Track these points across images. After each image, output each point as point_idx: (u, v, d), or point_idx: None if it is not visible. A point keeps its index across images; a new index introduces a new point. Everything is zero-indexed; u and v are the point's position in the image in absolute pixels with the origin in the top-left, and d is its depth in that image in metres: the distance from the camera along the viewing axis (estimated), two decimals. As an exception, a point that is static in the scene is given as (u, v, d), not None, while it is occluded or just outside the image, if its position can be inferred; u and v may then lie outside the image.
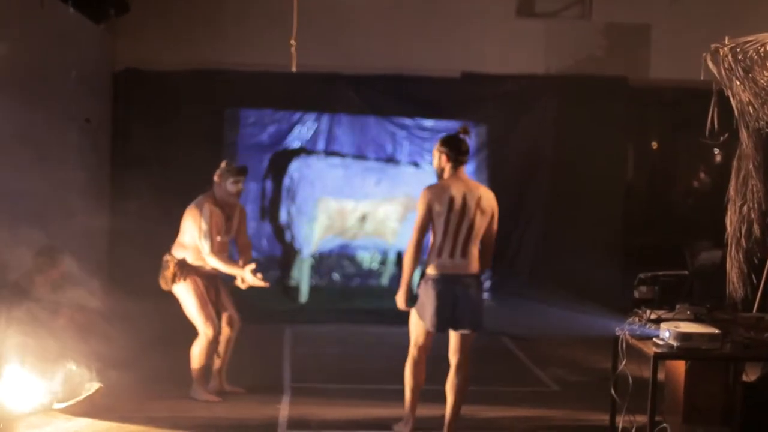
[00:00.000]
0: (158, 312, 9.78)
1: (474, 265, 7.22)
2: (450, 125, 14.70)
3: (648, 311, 6.85)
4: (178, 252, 8.50)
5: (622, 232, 14.74)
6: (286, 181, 14.00)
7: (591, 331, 11.08)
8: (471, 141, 7.51)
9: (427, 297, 7.19)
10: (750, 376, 6.88)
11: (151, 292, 9.65)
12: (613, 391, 7.03)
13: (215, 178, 8.59)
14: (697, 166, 15.29)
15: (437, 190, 7.23)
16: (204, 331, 8.42)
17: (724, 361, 6.68)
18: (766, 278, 7.41)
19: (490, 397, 8.79)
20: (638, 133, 15.37)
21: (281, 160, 14.28)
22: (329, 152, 14.38)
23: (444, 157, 7.33)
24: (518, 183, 14.92)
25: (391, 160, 14.48)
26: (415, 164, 14.55)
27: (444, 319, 7.21)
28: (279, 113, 14.52)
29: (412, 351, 7.53)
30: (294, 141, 14.53)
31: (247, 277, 8.32)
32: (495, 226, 7.33)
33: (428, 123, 14.87)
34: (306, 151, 14.33)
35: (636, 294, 7.08)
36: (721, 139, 7.47)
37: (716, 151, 14.92)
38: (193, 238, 8.39)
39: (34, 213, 9.29)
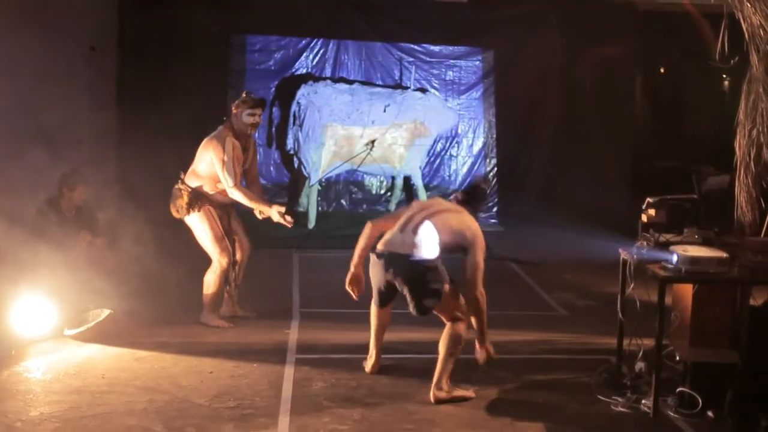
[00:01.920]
0: (168, 240, 9.82)
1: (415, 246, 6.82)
2: (457, 50, 14.67)
3: (656, 235, 6.84)
4: (192, 181, 8.46)
5: (631, 156, 14.73)
6: (293, 108, 13.95)
7: (598, 255, 11.11)
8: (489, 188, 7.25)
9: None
10: (757, 299, 6.88)
11: (161, 219, 9.69)
12: (620, 315, 7.05)
13: (233, 108, 8.48)
14: (706, 91, 15.20)
15: None
16: (218, 259, 8.46)
17: (731, 284, 6.68)
18: (775, 202, 7.39)
19: (497, 322, 8.76)
20: (646, 57, 15.28)
21: (288, 86, 14.23)
22: (336, 78, 14.32)
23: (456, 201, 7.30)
24: (526, 108, 14.91)
25: (398, 85, 14.42)
26: (423, 90, 14.49)
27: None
28: (285, 39, 14.47)
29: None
30: (301, 67, 14.47)
31: (274, 216, 8.34)
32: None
33: (435, 48, 14.80)
34: (313, 77, 14.27)
35: (644, 217, 7.06)
36: (732, 62, 7.40)
37: (724, 75, 14.84)
38: (210, 169, 8.35)
39: (41, 141, 9.28)
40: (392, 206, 14.68)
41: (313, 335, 8.21)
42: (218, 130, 8.45)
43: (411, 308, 6.89)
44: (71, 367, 7.13)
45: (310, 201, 13.77)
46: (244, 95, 8.57)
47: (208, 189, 8.45)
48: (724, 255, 6.36)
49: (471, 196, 7.34)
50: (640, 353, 6.94)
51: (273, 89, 14.25)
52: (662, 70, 15.76)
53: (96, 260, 8.63)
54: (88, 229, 8.93)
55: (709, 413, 6.35)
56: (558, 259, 11.91)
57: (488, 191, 7.25)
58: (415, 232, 6.78)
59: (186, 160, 11.74)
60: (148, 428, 5.89)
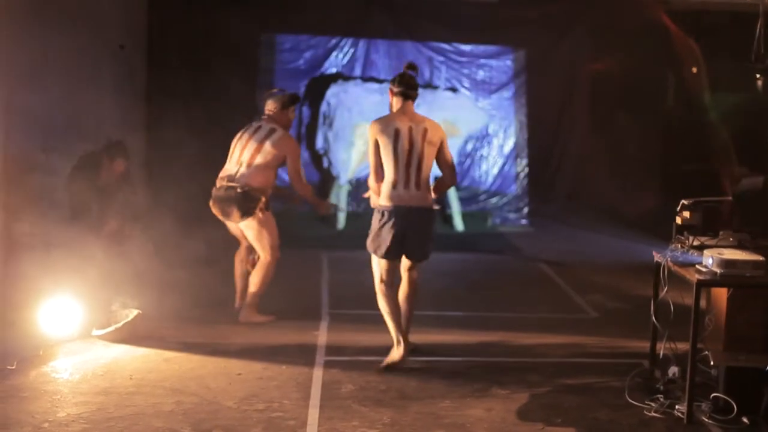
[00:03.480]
0: (197, 239, 9.80)
1: (426, 197, 7.35)
2: (488, 50, 14.60)
3: (691, 237, 6.74)
4: (255, 180, 8.35)
5: (662, 157, 14.60)
6: (323, 107, 13.92)
7: (629, 257, 11.03)
8: (418, 77, 7.56)
9: (381, 227, 7.42)
10: (793, 303, 6.79)
11: (188, 218, 9.67)
12: (654, 318, 6.95)
13: (279, 107, 8.57)
14: (738, 92, 15.03)
15: (382, 124, 7.37)
16: (273, 256, 8.51)
17: (768, 288, 6.58)
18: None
19: (527, 324, 8.76)
20: (678, 58, 15.12)
21: (318, 86, 14.20)
22: (366, 78, 14.26)
23: (390, 93, 7.51)
24: (556, 108, 14.83)
25: (428, 85, 14.34)
26: (453, 89, 14.43)
27: (395, 250, 7.40)
28: (315, 39, 14.44)
29: (378, 287, 7.60)
30: (330, 66, 14.43)
31: (328, 209, 9.05)
32: (447, 153, 7.48)
33: (466, 47, 14.73)
34: (343, 76, 14.24)
35: (679, 220, 6.96)
36: (767, 62, 7.30)
37: (757, 76, 14.66)
38: (275, 165, 8.44)
39: (68, 141, 9.27)
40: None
41: (342, 337, 8.15)
42: (280, 128, 8.49)
43: (414, 257, 7.43)
44: (99, 367, 7.10)
45: (339, 201, 13.72)
46: (282, 92, 8.75)
47: (269, 185, 8.47)
48: (761, 258, 6.24)
49: (404, 87, 7.43)
50: (674, 357, 6.83)
51: (303, 89, 14.22)
52: (694, 70, 15.58)
53: (123, 251, 8.65)
54: (119, 210, 9.05)
55: (744, 419, 6.22)
56: (589, 261, 11.82)
57: (416, 75, 7.51)
58: (419, 186, 7.27)
59: (215, 159, 11.72)
60: (175, 430, 5.84)
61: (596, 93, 14.56)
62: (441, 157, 7.44)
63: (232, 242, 9.78)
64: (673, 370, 6.81)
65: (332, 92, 13.84)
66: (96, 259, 8.40)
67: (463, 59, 14.61)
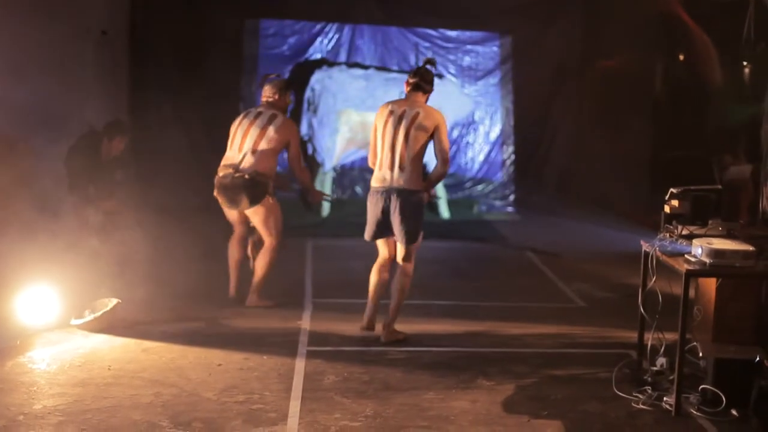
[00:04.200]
0: (178, 228, 9.68)
1: (409, 180, 7.46)
2: (475, 35, 14.47)
3: (679, 227, 6.63)
4: (261, 165, 8.30)
5: (650, 145, 14.51)
6: (308, 93, 13.78)
7: (617, 246, 10.93)
8: (434, 70, 7.79)
9: (368, 207, 7.65)
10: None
11: (171, 207, 9.57)
12: (642, 309, 6.84)
13: (277, 91, 8.53)
14: (726, 80, 14.95)
15: (381, 108, 7.65)
16: (278, 241, 8.55)
17: (758, 279, 6.48)
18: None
19: (513, 313, 8.65)
20: (667, 45, 15.03)
21: (302, 71, 14.05)
22: (351, 63, 14.14)
23: (405, 84, 7.70)
24: (544, 96, 14.73)
25: (414, 71, 14.19)
26: (439, 75, 14.27)
27: (377, 231, 7.63)
28: (300, 24, 14.33)
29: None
30: (315, 52, 14.29)
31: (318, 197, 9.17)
32: (443, 140, 7.51)
33: (452, 33, 14.61)
34: (327, 62, 14.10)
35: (667, 208, 6.85)
36: (757, 49, 7.20)
37: (744, 63, 14.57)
38: (278, 150, 8.42)
39: (52, 128, 9.14)
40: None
41: (325, 326, 8.03)
42: (276, 112, 8.46)
43: (402, 238, 7.51)
44: (77, 358, 6.96)
45: (324, 188, 13.59)
46: (278, 77, 8.83)
47: (274, 171, 8.47)
48: (750, 248, 6.14)
49: (421, 78, 7.61)
50: (662, 348, 6.73)
51: (287, 74, 14.07)
52: (682, 58, 15.48)
53: (114, 234, 8.56)
54: (116, 189, 9.10)
55: (733, 411, 6.12)
56: (576, 249, 11.72)
57: (434, 71, 7.73)
58: (402, 168, 7.41)
59: (199, 145, 11.64)
60: (153, 423, 5.71)
61: (584, 80, 14.44)
62: (435, 144, 7.51)
63: (216, 233, 9.71)
64: (661, 361, 6.71)
65: (317, 78, 13.70)
66: (78, 246, 8.30)
67: (450, 45, 14.50)
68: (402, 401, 6.23)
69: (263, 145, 8.30)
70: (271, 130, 8.31)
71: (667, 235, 6.70)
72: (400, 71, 14.15)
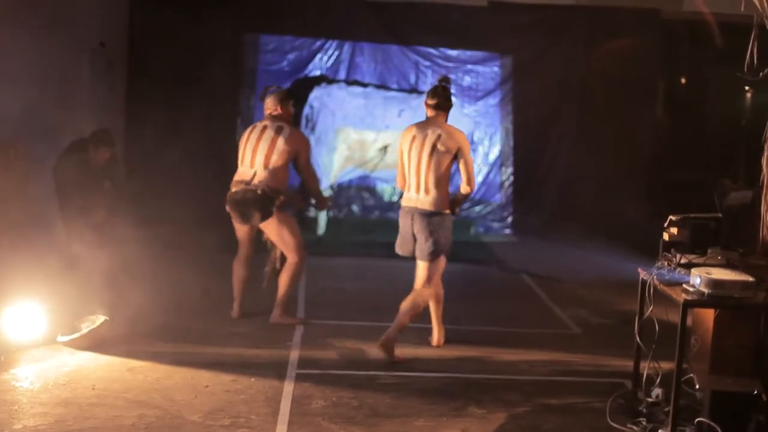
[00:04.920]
0: (172, 242, 9.57)
1: (431, 201, 7.72)
2: (475, 55, 14.38)
3: (678, 255, 6.51)
4: (271, 180, 8.30)
5: (649, 170, 14.41)
6: (306, 110, 13.67)
7: (614, 271, 10.81)
8: (452, 88, 8.09)
9: (400, 224, 7.94)
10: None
11: (165, 219, 9.45)
12: (638, 339, 6.71)
13: (279, 105, 8.51)
14: (728, 104, 14.86)
15: (406, 132, 7.92)
16: (300, 255, 8.56)
17: (757, 310, 6.36)
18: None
19: (507, 339, 8.51)
20: (669, 68, 14.97)
21: (301, 88, 13.92)
22: (350, 81, 14.03)
23: (425, 106, 7.92)
24: (543, 117, 14.61)
25: (413, 90, 14.09)
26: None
27: (404, 248, 7.93)
28: (300, 40, 14.21)
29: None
30: (314, 69, 14.19)
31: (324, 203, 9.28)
32: (466, 160, 7.80)
33: (453, 53, 14.50)
34: (327, 79, 13.98)
35: (666, 236, 6.73)
36: (761, 74, 7.07)
37: (746, 88, 14.49)
38: (286, 162, 8.38)
39: (46, 140, 9.06)
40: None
41: (316, 348, 7.90)
42: (282, 124, 8.44)
43: (422, 256, 7.78)
44: (61, 376, 6.83)
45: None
46: (278, 88, 8.84)
47: (286, 184, 8.49)
48: (750, 279, 6.01)
49: (440, 98, 7.86)
50: (658, 379, 6.60)
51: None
52: (683, 81, 15.41)
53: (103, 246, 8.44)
54: (105, 200, 8.98)
55: (730, 445, 5.99)
56: (573, 274, 11.57)
57: (449, 87, 8.01)
58: (428, 191, 7.70)
59: (196, 160, 11.52)
60: (135, 447, 5.60)
61: (585, 101, 14.34)
62: (460, 165, 7.78)
63: (211, 247, 9.60)
64: (657, 392, 6.59)
65: (315, 95, 13.59)
66: (66, 260, 8.19)
67: (450, 64, 14.37)
68: (391, 429, 6.11)
69: (275, 158, 8.29)
70: (280, 142, 8.29)
71: (666, 263, 6.58)
72: (400, 90, 14.05)
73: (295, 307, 9.30)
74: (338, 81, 13.91)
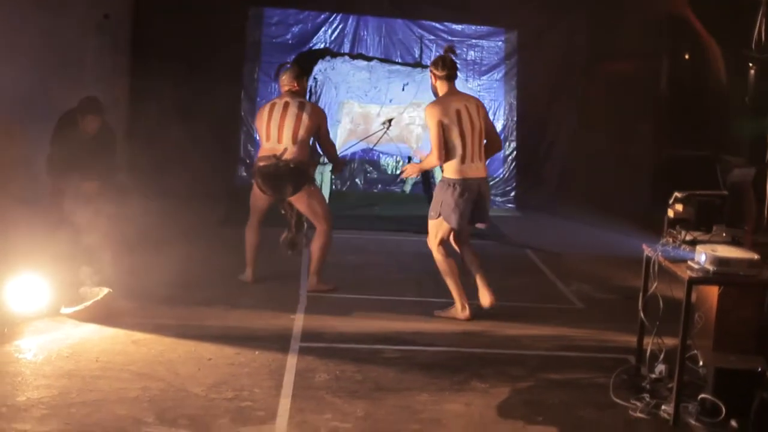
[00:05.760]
0: (175, 215, 9.55)
1: (486, 168, 8.23)
2: (480, 30, 14.33)
3: (683, 232, 6.49)
4: (303, 154, 8.60)
5: (654, 146, 14.35)
6: (310, 83, 13.60)
7: (617, 247, 10.78)
8: (456, 59, 8.28)
9: (457, 198, 7.94)
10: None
11: (169, 194, 9.42)
12: (642, 315, 6.70)
13: (296, 81, 8.79)
14: (732, 80, 14.80)
15: (443, 107, 8.00)
16: (330, 223, 8.86)
17: (763, 288, 6.35)
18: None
19: (511, 313, 8.48)
20: (673, 42, 14.87)
21: (305, 61, 13.85)
22: (354, 54, 13.96)
23: (432, 76, 8.22)
24: (547, 93, 14.58)
25: (417, 64, 14.04)
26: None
27: (466, 217, 8.05)
28: (304, 13, 14.20)
29: (439, 250, 8.18)
30: (319, 42, 14.15)
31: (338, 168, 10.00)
32: (491, 122, 8.46)
33: (457, 27, 14.46)
34: (331, 52, 13.91)
35: (671, 213, 6.70)
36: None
37: (750, 65, 14.41)
38: (309, 137, 8.69)
39: (52, 118, 9.03)
40: (407, 187, 14.40)
41: (319, 322, 7.89)
42: (302, 100, 8.80)
43: (482, 219, 8.29)
44: (65, 348, 6.82)
45: (323, 179, 13.42)
46: (291, 65, 9.26)
47: (310, 158, 8.92)
48: (755, 256, 5.99)
49: (449, 69, 8.14)
50: (662, 355, 6.59)
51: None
52: (687, 57, 15.32)
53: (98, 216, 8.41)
54: (99, 170, 8.87)
55: (733, 422, 5.97)
56: (576, 249, 11.54)
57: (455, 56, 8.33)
58: (481, 159, 8.06)
59: (199, 133, 11.50)
60: (138, 419, 5.58)
61: (588, 77, 14.30)
62: (489, 129, 8.28)
63: (214, 221, 9.59)
64: (660, 369, 6.57)
65: (319, 68, 13.52)
66: (67, 231, 8.17)
67: (454, 38, 14.33)
68: (394, 402, 6.10)
69: (302, 133, 8.58)
70: (305, 118, 8.59)
71: (670, 240, 6.56)
72: (404, 63, 13.99)
73: (298, 282, 9.29)
74: (342, 54, 13.85)
